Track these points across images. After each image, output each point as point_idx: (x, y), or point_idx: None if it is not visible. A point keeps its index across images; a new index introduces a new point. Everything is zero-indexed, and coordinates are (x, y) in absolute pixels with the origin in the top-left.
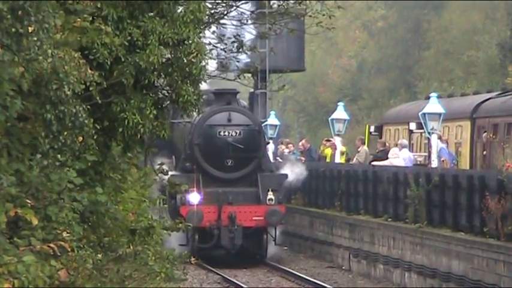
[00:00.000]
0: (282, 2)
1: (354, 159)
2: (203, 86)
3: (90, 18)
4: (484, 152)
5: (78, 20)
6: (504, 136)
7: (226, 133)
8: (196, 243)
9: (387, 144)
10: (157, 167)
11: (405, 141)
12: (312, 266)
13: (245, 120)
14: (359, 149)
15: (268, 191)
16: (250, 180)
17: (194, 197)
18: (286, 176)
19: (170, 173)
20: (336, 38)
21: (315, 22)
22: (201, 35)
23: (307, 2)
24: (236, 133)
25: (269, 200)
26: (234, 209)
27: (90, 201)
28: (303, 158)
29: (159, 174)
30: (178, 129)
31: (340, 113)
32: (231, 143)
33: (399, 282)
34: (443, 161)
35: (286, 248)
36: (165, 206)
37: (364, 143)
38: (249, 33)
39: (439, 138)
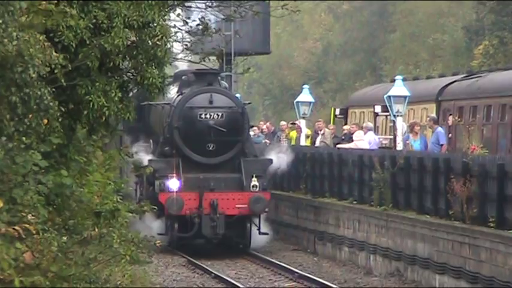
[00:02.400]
0: None
1: (319, 141)
2: (183, 66)
3: (55, 1)
4: (450, 135)
5: (43, 2)
6: (469, 119)
7: (208, 116)
8: (175, 233)
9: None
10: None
11: (370, 124)
12: (277, 248)
13: (228, 102)
14: (321, 131)
15: (252, 177)
16: (233, 166)
17: (174, 183)
18: (271, 161)
19: (148, 157)
20: (301, 20)
21: (280, 5)
22: (166, 17)
23: None
24: (218, 116)
25: (253, 186)
26: (216, 196)
27: (55, 184)
28: (267, 141)
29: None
30: (156, 112)
31: (306, 95)
32: (213, 126)
33: (364, 265)
34: (442, 145)
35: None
36: (130, 188)
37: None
38: (214, 16)
39: (435, 121)
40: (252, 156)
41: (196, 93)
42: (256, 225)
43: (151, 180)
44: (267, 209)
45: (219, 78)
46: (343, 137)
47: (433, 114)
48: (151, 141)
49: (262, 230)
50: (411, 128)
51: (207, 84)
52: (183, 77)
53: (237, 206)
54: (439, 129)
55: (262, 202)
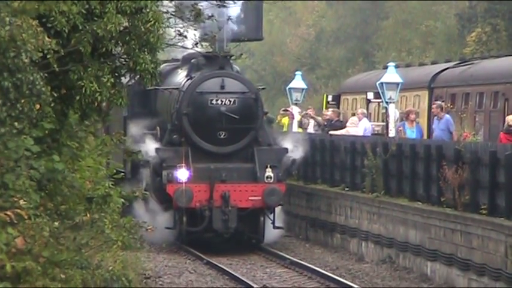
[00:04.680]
0: None
1: (312, 127)
2: (193, 49)
3: None
4: None
5: None
6: (462, 106)
7: (219, 101)
8: (184, 226)
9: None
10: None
11: (364, 111)
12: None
13: (240, 87)
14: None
15: (267, 167)
16: (245, 155)
17: (182, 174)
18: (286, 150)
19: (155, 146)
20: (294, 7)
21: None
22: (158, 3)
23: None
24: (230, 101)
25: (267, 177)
26: (228, 187)
27: (47, 169)
28: None
29: (142, 148)
30: (163, 97)
31: (298, 82)
32: (225, 112)
33: (356, 252)
34: (452, 132)
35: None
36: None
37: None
38: (206, 2)
39: (441, 108)
40: (266, 145)
41: (207, 78)
42: (270, 218)
43: (159, 171)
44: (282, 202)
45: (231, 61)
46: (325, 123)
47: (439, 102)
48: (158, 128)
49: (277, 224)
50: (406, 115)
51: (218, 67)
52: (193, 60)
53: (250, 198)
54: (448, 116)
55: (277, 194)
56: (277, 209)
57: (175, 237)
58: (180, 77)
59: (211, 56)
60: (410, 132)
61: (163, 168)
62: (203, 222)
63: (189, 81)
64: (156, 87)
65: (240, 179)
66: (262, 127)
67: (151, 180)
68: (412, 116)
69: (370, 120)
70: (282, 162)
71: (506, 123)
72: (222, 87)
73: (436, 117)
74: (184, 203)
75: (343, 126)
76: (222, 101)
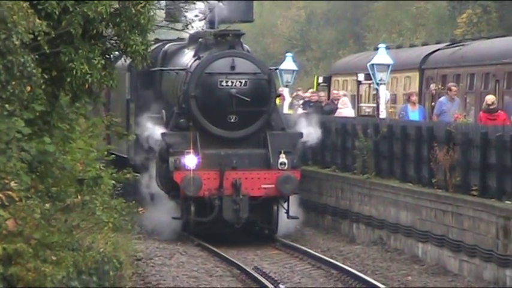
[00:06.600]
0: None
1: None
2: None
3: None
4: (433, 103)
5: None
6: None
7: (229, 83)
8: (192, 217)
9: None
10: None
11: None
12: None
13: (252, 67)
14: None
15: (280, 153)
16: (258, 140)
17: (190, 161)
18: (301, 134)
19: (160, 130)
20: None
21: None
22: None
23: None
24: (241, 83)
25: (281, 164)
26: (239, 175)
27: (38, 151)
28: None
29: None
30: (169, 78)
31: (289, 63)
32: (235, 95)
33: (347, 233)
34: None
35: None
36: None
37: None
38: None
39: (439, 89)
40: (280, 130)
41: (216, 58)
42: (284, 208)
43: (165, 157)
44: (297, 190)
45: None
46: (302, 104)
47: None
48: (163, 111)
49: (291, 213)
50: (408, 98)
51: (228, 47)
52: (200, 39)
53: (262, 186)
54: (457, 98)
55: (292, 182)
56: (292, 198)
57: (183, 228)
58: (187, 57)
59: (221, 34)
60: (413, 115)
61: (170, 155)
62: (212, 212)
63: (197, 61)
64: (162, 68)
65: (251, 165)
66: (275, 110)
67: (157, 166)
68: (413, 98)
69: (360, 102)
70: (296, 147)
71: (485, 103)
72: (233, 67)
73: (445, 99)
74: (193, 192)
75: (324, 108)
76: (232, 83)
